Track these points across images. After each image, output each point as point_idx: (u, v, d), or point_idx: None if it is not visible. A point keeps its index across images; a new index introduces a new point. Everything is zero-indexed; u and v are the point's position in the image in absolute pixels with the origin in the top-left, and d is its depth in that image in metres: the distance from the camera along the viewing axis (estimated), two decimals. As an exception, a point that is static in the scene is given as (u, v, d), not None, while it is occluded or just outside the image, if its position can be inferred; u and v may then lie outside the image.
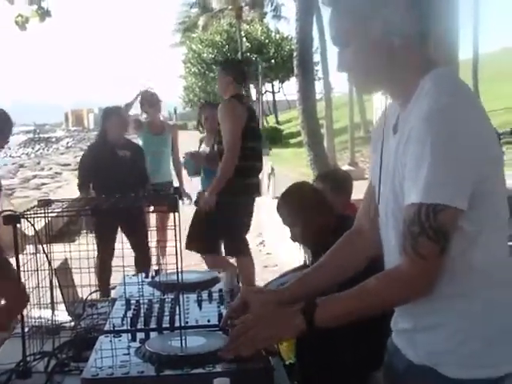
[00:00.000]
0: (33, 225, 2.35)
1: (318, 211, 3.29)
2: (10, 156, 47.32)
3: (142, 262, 6.09)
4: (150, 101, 7.69)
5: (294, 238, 3.45)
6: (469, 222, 1.78)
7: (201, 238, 5.92)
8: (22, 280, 2.34)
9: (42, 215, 2.43)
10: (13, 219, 2.27)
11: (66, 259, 3.05)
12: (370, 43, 1.87)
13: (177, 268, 2.18)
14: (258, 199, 6.82)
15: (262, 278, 7.06)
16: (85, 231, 6.17)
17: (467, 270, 1.83)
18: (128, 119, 7.28)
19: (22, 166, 34.68)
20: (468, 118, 1.76)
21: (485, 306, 1.84)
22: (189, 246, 5.80)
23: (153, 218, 7.41)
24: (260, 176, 6.42)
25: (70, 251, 2.89)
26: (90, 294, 2.96)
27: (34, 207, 2.46)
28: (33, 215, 2.35)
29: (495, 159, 1.84)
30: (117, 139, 6.63)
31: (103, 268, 5.70)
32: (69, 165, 34.87)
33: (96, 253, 6.02)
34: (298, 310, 1.89)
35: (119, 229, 6.35)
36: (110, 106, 7.00)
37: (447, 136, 1.71)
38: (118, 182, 5.84)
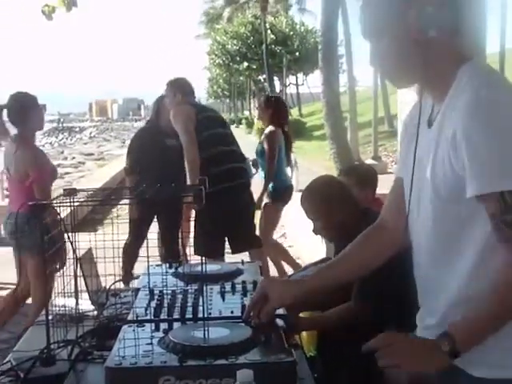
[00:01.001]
0: (59, 214, 2.36)
1: (342, 205, 3.27)
2: (2, 146, 47.62)
3: (171, 254, 6.12)
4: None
5: (316, 231, 3.44)
6: None
7: (205, 242, 5.75)
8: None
9: (68, 204, 2.44)
10: (39, 208, 2.29)
11: (90, 248, 3.07)
12: (403, 36, 1.84)
13: (201, 259, 2.19)
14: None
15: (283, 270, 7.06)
16: (109, 221, 6.18)
17: None
18: None
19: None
20: None
21: None
22: (195, 252, 5.73)
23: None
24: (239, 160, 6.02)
25: (96, 240, 2.90)
26: (114, 283, 2.98)
27: (59, 196, 2.47)
28: (59, 204, 2.37)
29: None
30: (168, 127, 6.58)
31: (130, 254, 5.74)
32: (92, 154, 35.05)
33: (128, 237, 6.08)
34: (435, 345, 1.80)
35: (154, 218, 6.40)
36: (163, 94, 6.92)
37: (505, 122, 1.70)
38: (164, 171, 5.84)
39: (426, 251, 1.90)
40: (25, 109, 5.21)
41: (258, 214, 6.58)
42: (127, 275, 5.19)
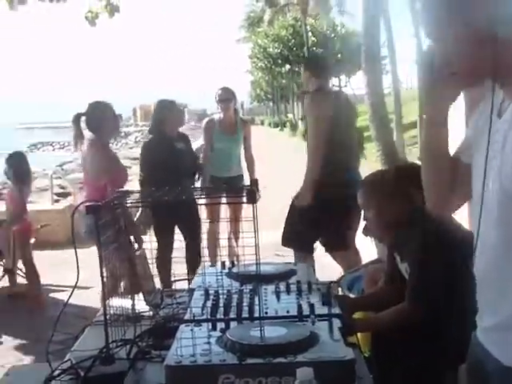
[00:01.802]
0: (113, 214, 2.39)
1: (393, 199, 3.23)
2: (81, 150, 48.16)
3: (194, 257, 6.18)
4: (222, 97, 7.66)
5: (367, 231, 3.41)
6: None
7: (297, 236, 5.91)
8: (104, 270, 2.39)
9: (123, 205, 2.47)
10: (94, 209, 2.32)
11: (143, 250, 3.11)
12: (470, 35, 1.79)
13: (256, 259, 2.19)
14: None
15: (333, 271, 7.03)
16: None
17: None
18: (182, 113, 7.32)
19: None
20: None
21: None
22: (285, 243, 5.87)
23: (224, 210, 7.47)
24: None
25: (148, 242, 2.94)
26: (174, 281, 3.00)
27: (113, 198, 2.50)
28: (113, 205, 2.40)
29: None
30: (174, 132, 6.72)
31: (163, 261, 5.82)
32: (138, 159, 35.34)
33: (157, 250, 6.15)
34: None
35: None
36: (164, 99, 6.99)
37: None
38: (177, 175, 5.94)
39: (491, 248, 1.86)
40: (100, 116, 5.53)
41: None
42: (164, 278, 5.26)
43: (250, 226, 2.14)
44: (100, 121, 5.54)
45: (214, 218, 7.13)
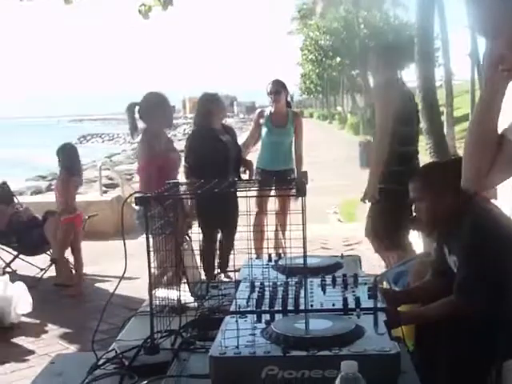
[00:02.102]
0: (163, 206, 2.41)
1: (448, 192, 3.17)
2: (129, 142, 48.74)
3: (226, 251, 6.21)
4: (273, 89, 7.66)
5: (415, 223, 3.37)
6: None
7: (383, 235, 5.96)
8: (152, 260, 2.40)
9: (173, 197, 2.49)
10: (144, 200, 2.33)
11: (189, 240, 3.12)
12: None
13: (304, 252, 2.19)
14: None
15: (378, 264, 7.01)
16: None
17: None
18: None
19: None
20: None
21: None
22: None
23: (272, 203, 7.49)
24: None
25: (192, 232, 2.95)
26: (216, 275, 3.01)
27: (164, 189, 2.52)
28: (163, 196, 2.41)
29: None
30: (217, 124, 6.78)
31: (207, 253, 5.84)
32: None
33: (201, 237, 6.19)
34: None
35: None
36: (207, 91, 7.02)
37: None
38: (220, 167, 5.98)
39: None
40: (153, 106, 5.66)
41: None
42: (208, 270, 5.30)
43: (297, 218, 2.13)
44: (152, 110, 5.64)
45: (262, 211, 7.15)
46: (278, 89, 7.65)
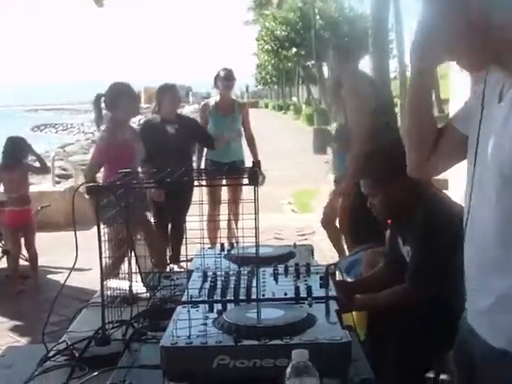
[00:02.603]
0: (115, 195, 2.39)
1: (396, 178, 3.18)
2: (83, 132, 48.31)
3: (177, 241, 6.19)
4: (228, 77, 7.65)
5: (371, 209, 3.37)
6: None
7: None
8: (103, 250, 2.38)
9: (124, 186, 2.46)
10: (95, 190, 2.31)
11: (141, 231, 3.10)
12: (466, 23, 1.78)
13: (256, 241, 2.19)
14: (328, 177, 6.83)
15: (331, 255, 7.06)
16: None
17: None
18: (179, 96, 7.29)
19: (94, 142, 35.25)
20: None
21: None
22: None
23: (224, 193, 7.48)
24: None
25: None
26: (167, 265, 3.00)
27: (115, 179, 2.50)
28: (115, 186, 2.39)
29: None
30: (170, 114, 6.77)
31: (159, 242, 5.84)
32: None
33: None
34: None
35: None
36: (165, 82, 7.04)
37: None
38: (168, 157, 5.98)
39: (486, 228, 1.84)
40: (117, 96, 5.82)
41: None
42: (158, 258, 5.28)
43: (251, 208, 2.13)
44: (117, 100, 5.79)
45: (214, 201, 7.13)
46: (232, 76, 7.66)
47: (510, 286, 1.80)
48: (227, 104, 7.71)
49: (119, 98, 5.81)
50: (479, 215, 1.90)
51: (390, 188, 3.16)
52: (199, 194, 2.57)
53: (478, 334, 1.92)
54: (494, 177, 1.80)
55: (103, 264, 2.37)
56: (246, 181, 2.22)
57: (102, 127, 6.01)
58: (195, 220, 2.69)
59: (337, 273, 3.29)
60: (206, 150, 7.59)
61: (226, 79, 7.58)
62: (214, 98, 7.88)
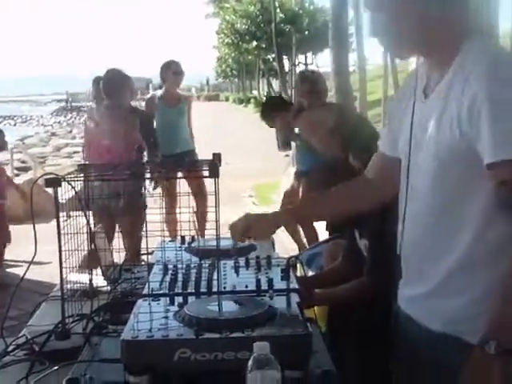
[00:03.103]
0: (74, 188, 2.37)
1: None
2: (43, 124, 47.77)
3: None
4: (179, 70, 7.65)
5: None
6: None
7: None
8: (62, 243, 2.36)
9: (83, 179, 2.45)
10: (54, 182, 2.29)
11: (102, 224, 3.08)
12: (402, 7, 1.85)
13: (217, 234, 2.19)
14: (289, 170, 6.84)
15: (292, 248, 7.08)
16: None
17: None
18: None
19: (54, 134, 34.92)
20: None
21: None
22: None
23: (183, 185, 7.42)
24: None
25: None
26: (126, 259, 2.99)
27: (74, 171, 2.48)
28: (73, 179, 2.37)
29: None
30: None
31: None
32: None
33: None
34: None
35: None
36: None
37: None
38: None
39: (420, 216, 1.93)
40: (113, 83, 6.08)
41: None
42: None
43: (211, 201, 2.13)
44: (113, 86, 6.04)
45: (171, 193, 7.01)
46: (182, 69, 7.72)
47: (444, 272, 1.88)
48: (174, 96, 7.76)
49: (116, 85, 6.02)
50: (414, 203, 1.98)
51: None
52: (163, 187, 2.55)
53: (414, 319, 1.99)
54: (426, 170, 1.88)
55: (63, 257, 2.35)
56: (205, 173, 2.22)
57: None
58: (155, 213, 2.69)
59: (298, 265, 3.30)
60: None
61: (176, 73, 7.61)
62: (159, 91, 7.92)
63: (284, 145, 7.13)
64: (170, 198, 6.91)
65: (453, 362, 1.83)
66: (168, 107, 7.66)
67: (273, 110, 6.64)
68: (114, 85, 6.07)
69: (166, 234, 2.55)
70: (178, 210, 2.40)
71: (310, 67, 46.82)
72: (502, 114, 1.69)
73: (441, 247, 1.89)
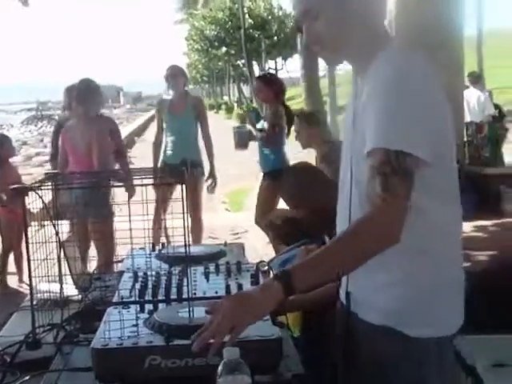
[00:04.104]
0: (41, 197, 2.36)
1: (320, 190, 3.26)
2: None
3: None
4: (170, 73, 7.39)
5: (299, 219, 3.42)
6: (424, 182, 1.86)
7: None
8: (31, 252, 2.35)
9: (50, 187, 2.44)
10: (22, 191, 2.28)
11: (72, 232, 3.07)
12: (333, 18, 1.99)
13: (185, 241, 2.19)
14: (261, 175, 6.90)
15: (265, 253, 7.09)
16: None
17: (425, 225, 1.92)
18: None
19: (24, 143, 34.61)
20: (422, 86, 1.88)
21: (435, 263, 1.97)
22: None
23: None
24: None
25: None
26: (97, 267, 2.98)
27: (42, 180, 2.47)
28: (41, 187, 2.37)
29: (445, 130, 1.96)
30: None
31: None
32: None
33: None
34: (272, 281, 1.89)
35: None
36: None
37: (405, 92, 1.84)
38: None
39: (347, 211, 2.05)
40: (85, 91, 6.17)
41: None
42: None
43: (180, 207, 2.13)
44: (85, 95, 6.12)
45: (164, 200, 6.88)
46: (176, 72, 7.41)
47: (384, 264, 1.94)
48: (179, 102, 7.40)
49: (88, 93, 6.12)
50: (341, 198, 2.14)
51: (314, 200, 3.23)
52: (141, 194, 2.54)
53: (356, 314, 2.08)
54: (354, 160, 2.01)
55: (32, 266, 2.34)
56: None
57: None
58: (125, 220, 2.68)
59: (270, 271, 3.31)
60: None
61: (171, 76, 7.37)
62: (169, 95, 7.63)
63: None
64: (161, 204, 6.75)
65: (388, 354, 1.98)
66: (172, 114, 7.37)
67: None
68: (86, 94, 6.14)
69: (135, 241, 2.54)
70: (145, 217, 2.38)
71: (280, 72, 47.00)
72: (379, 112, 1.84)
73: None
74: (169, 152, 7.32)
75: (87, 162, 5.89)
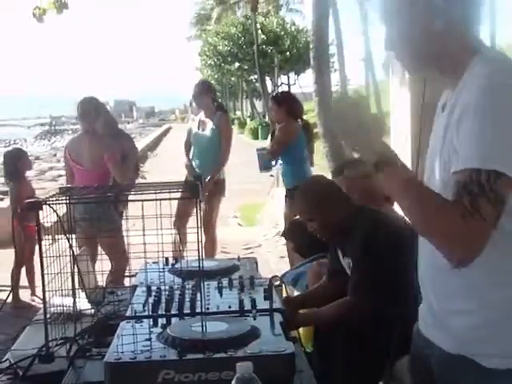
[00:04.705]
0: (55, 211, 2.37)
1: (335, 204, 3.27)
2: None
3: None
4: (193, 93, 7.40)
5: (313, 231, 3.42)
6: None
7: None
8: (45, 266, 2.35)
9: (64, 202, 2.45)
10: (37, 205, 2.29)
11: (85, 246, 3.08)
12: (411, 25, 1.86)
13: (198, 255, 2.19)
14: (273, 190, 6.87)
15: (278, 268, 7.07)
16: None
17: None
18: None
19: (38, 158, 34.69)
20: None
21: None
22: None
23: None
24: None
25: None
26: (107, 281, 2.98)
27: (56, 194, 2.48)
28: (55, 202, 2.37)
29: None
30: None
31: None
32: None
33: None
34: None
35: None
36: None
37: (506, 109, 1.68)
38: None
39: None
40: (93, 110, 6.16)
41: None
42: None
43: (195, 222, 2.12)
44: (92, 113, 6.12)
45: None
46: (198, 91, 7.37)
47: (464, 290, 1.84)
48: (203, 120, 7.37)
49: (90, 112, 6.11)
50: None
51: (326, 213, 3.22)
52: (158, 209, 2.53)
53: (433, 342, 1.95)
54: (438, 174, 1.86)
55: (45, 280, 2.34)
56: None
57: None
58: (138, 235, 2.68)
59: (283, 286, 3.30)
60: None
61: (194, 96, 7.39)
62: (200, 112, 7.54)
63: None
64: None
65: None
66: (197, 130, 7.36)
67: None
68: (88, 112, 6.16)
69: (149, 255, 2.54)
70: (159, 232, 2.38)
71: (293, 87, 47.06)
72: (479, 124, 1.68)
73: (448, 268, 1.78)
74: (193, 170, 7.31)
75: (90, 178, 5.87)
